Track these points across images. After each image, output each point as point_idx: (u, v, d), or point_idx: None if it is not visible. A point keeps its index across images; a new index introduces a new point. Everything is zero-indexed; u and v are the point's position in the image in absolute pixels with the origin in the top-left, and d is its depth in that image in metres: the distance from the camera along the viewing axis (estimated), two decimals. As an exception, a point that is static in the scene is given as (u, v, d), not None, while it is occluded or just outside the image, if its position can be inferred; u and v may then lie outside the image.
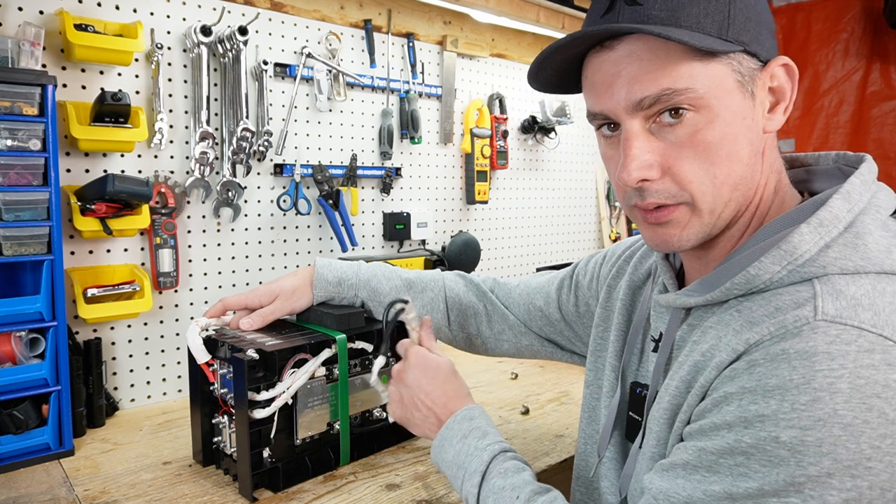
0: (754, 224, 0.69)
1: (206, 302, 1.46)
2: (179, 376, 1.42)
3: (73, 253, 1.27)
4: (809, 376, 0.53)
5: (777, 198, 0.69)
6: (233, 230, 1.50)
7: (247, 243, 1.53)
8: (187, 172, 1.40)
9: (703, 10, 0.61)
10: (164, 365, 1.40)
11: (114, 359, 1.34)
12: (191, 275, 1.44)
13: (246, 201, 1.51)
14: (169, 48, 1.36)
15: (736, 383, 0.58)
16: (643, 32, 0.60)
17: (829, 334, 0.55)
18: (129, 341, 1.36)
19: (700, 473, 0.59)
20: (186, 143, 1.40)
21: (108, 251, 1.32)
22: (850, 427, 0.51)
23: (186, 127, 1.40)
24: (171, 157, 1.39)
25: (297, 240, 1.62)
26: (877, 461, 0.51)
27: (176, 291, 1.42)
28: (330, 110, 1.65)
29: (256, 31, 1.48)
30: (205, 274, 1.46)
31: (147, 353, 1.38)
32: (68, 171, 1.25)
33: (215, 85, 1.44)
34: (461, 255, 1.90)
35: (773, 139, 0.69)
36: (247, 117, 1.44)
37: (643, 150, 0.64)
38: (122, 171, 1.31)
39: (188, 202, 1.42)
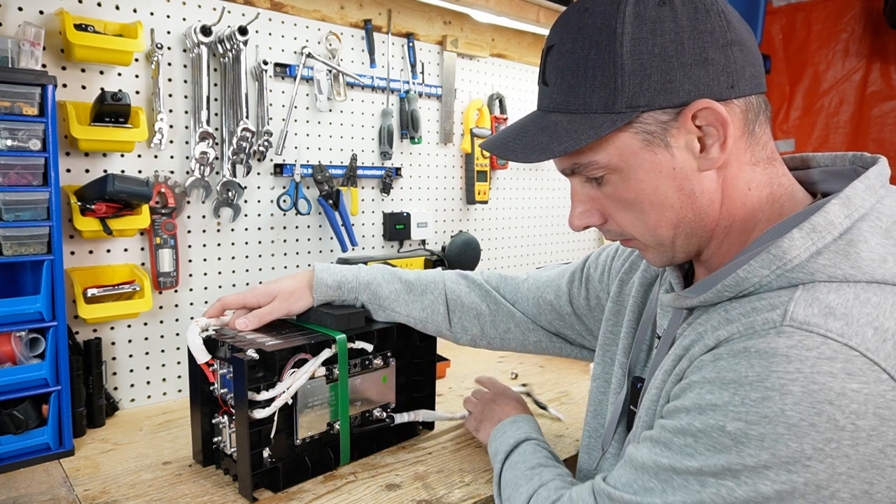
0: (748, 231, 0.69)
1: (205, 302, 1.46)
2: (179, 376, 1.42)
3: (73, 253, 1.27)
4: (764, 375, 0.55)
5: (774, 205, 0.69)
6: (233, 230, 1.50)
7: (247, 243, 1.53)
8: (187, 172, 1.40)
9: (589, 88, 0.65)
10: (164, 365, 1.40)
11: (114, 359, 1.34)
12: (191, 275, 1.44)
13: (246, 201, 1.51)
14: (169, 48, 1.36)
15: (700, 373, 0.62)
16: (522, 161, 0.69)
17: (793, 339, 0.56)
18: (129, 341, 1.36)
19: (659, 447, 0.63)
20: (186, 143, 1.40)
21: (108, 251, 1.32)
22: (794, 427, 0.53)
23: (186, 127, 1.40)
24: (171, 157, 1.39)
25: (297, 240, 1.62)
26: (818, 462, 0.52)
27: (176, 291, 1.42)
28: (330, 110, 1.65)
29: (256, 31, 1.48)
30: (205, 274, 1.46)
31: (147, 353, 1.38)
32: (68, 171, 1.25)
33: (215, 85, 1.44)
34: (461, 255, 1.90)
35: (742, 163, 0.68)
36: (247, 117, 1.44)
37: (582, 203, 0.73)
38: (122, 171, 1.31)
39: (188, 202, 1.42)
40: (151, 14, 1.34)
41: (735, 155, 0.67)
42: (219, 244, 1.48)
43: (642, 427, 0.73)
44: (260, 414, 0.94)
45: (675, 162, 0.66)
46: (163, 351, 1.40)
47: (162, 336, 1.40)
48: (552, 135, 0.68)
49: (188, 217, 1.42)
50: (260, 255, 1.55)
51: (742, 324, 0.61)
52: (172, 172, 1.39)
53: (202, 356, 1.00)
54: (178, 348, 1.42)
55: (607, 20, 0.64)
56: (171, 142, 1.38)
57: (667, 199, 0.67)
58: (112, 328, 1.33)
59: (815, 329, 0.56)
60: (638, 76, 0.63)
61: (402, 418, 1.15)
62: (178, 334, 1.42)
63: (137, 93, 1.32)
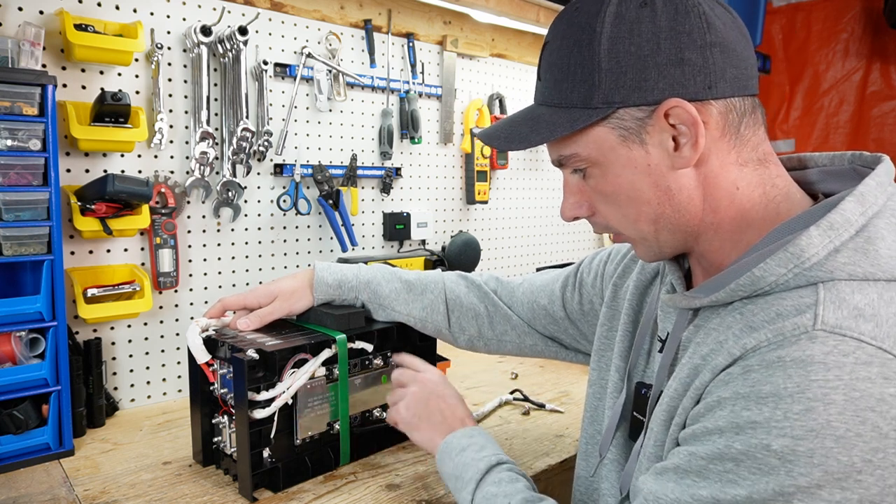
0: (741, 230, 0.68)
1: (206, 302, 1.46)
2: (179, 376, 1.42)
3: (73, 253, 1.27)
4: (804, 385, 0.53)
5: (769, 205, 0.68)
6: (233, 230, 1.50)
7: (247, 243, 1.53)
8: (187, 172, 1.40)
9: (571, 84, 0.68)
10: (164, 365, 1.41)
11: (114, 359, 1.34)
12: (191, 275, 1.44)
13: (246, 201, 1.51)
14: (169, 48, 1.36)
15: (730, 388, 0.58)
16: (503, 149, 0.74)
17: (827, 344, 0.54)
18: (129, 341, 1.36)
19: (690, 478, 0.59)
20: (186, 143, 1.40)
21: (108, 251, 1.32)
22: (842, 439, 0.51)
23: (186, 127, 1.40)
24: (171, 157, 1.39)
25: (297, 240, 1.62)
26: (867, 474, 0.51)
27: (176, 291, 1.42)
28: (330, 110, 1.65)
29: (256, 31, 1.48)
30: (205, 274, 1.46)
31: (147, 353, 1.38)
32: (68, 171, 1.25)
33: (215, 85, 1.44)
34: (461, 255, 1.90)
35: (726, 163, 0.67)
36: (247, 117, 1.44)
37: (573, 194, 0.75)
38: (122, 171, 1.31)
39: (188, 202, 1.42)
40: (151, 14, 1.34)
41: (716, 154, 0.67)
42: (219, 244, 1.48)
43: (654, 440, 0.70)
44: (260, 414, 0.94)
45: (649, 158, 0.67)
46: (163, 351, 1.40)
47: (162, 336, 1.40)
48: (533, 126, 0.71)
49: (188, 217, 1.42)
50: (260, 255, 1.55)
51: (769, 331, 0.58)
52: (172, 172, 1.39)
53: (202, 356, 1.00)
54: (178, 348, 1.42)
55: (590, 19, 0.66)
56: (171, 142, 1.38)
57: (643, 194, 0.68)
58: (112, 328, 1.33)
59: (849, 333, 0.55)
60: (614, 73, 0.65)
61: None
62: (178, 334, 1.42)
63: (137, 93, 1.33)
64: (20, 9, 1.19)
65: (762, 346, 0.58)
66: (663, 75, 0.64)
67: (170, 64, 1.37)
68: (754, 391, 0.56)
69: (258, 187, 1.53)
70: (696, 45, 0.64)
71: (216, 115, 1.44)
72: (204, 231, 1.45)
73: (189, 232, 1.43)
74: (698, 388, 0.63)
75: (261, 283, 1.49)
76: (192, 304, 1.44)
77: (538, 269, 1.88)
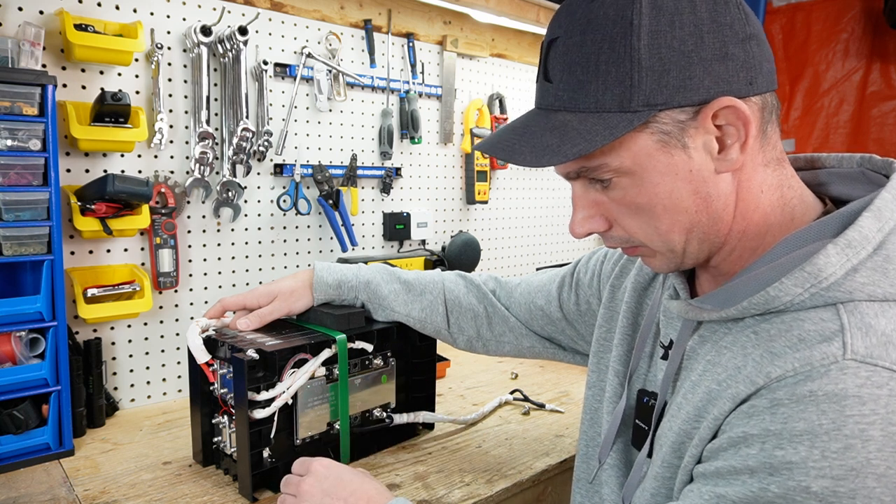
0: (760, 236, 0.66)
1: (206, 302, 1.46)
2: (179, 376, 1.42)
3: (73, 253, 1.27)
4: (840, 422, 0.50)
5: (786, 209, 0.66)
6: (233, 230, 1.50)
7: (247, 243, 1.53)
8: (187, 172, 1.40)
9: (602, 84, 0.60)
10: (164, 365, 1.41)
11: (114, 359, 1.34)
12: (191, 275, 1.44)
13: (246, 201, 1.51)
14: (169, 48, 1.36)
15: (757, 424, 0.55)
16: (532, 165, 0.63)
17: (860, 376, 0.52)
18: (129, 341, 1.36)
19: None
20: (186, 143, 1.40)
21: (108, 251, 1.32)
22: (883, 478, 0.49)
23: (186, 127, 1.40)
24: (171, 157, 1.39)
25: (297, 240, 1.62)
26: None
27: (176, 291, 1.42)
28: (330, 110, 1.65)
29: (256, 31, 1.48)
30: (205, 274, 1.46)
31: (147, 353, 1.38)
32: (68, 171, 1.25)
33: (215, 85, 1.44)
34: (461, 255, 1.90)
35: (756, 164, 0.64)
36: (247, 117, 1.44)
37: (586, 208, 0.68)
38: (122, 171, 1.31)
39: (188, 202, 1.42)
40: (151, 14, 1.34)
41: (749, 156, 0.63)
42: (219, 244, 1.48)
43: (661, 460, 0.67)
44: (260, 414, 0.94)
45: (691, 164, 0.62)
46: (163, 351, 1.40)
47: (162, 336, 1.40)
48: (562, 136, 0.62)
49: (188, 217, 1.42)
50: (260, 255, 1.55)
51: (795, 359, 0.55)
52: (172, 172, 1.39)
53: (202, 356, 1.00)
54: (178, 348, 1.42)
55: (622, 11, 0.59)
56: (171, 142, 1.38)
57: (681, 202, 0.63)
58: (112, 328, 1.33)
59: (880, 362, 0.52)
60: (656, 72, 0.58)
61: (401, 419, 1.15)
62: (178, 334, 1.42)
63: (137, 93, 1.33)
64: (20, 9, 1.18)
65: (788, 376, 0.55)
66: (708, 72, 0.59)
67: (170, 64, 1.37)
68: (787, 428, 0.52)
69: (258, 187, 1.53)
70: (738, 38, 0.59)
71: (216, 115, 1.44)
72: (204, 231, 1.45)
73: (189, 232, 1.43)
74: (717, 417, 0.59)
75: (261, 283, 1.49)
76: (192, 304, 1.44)
77: (538, 269, 1.88)
